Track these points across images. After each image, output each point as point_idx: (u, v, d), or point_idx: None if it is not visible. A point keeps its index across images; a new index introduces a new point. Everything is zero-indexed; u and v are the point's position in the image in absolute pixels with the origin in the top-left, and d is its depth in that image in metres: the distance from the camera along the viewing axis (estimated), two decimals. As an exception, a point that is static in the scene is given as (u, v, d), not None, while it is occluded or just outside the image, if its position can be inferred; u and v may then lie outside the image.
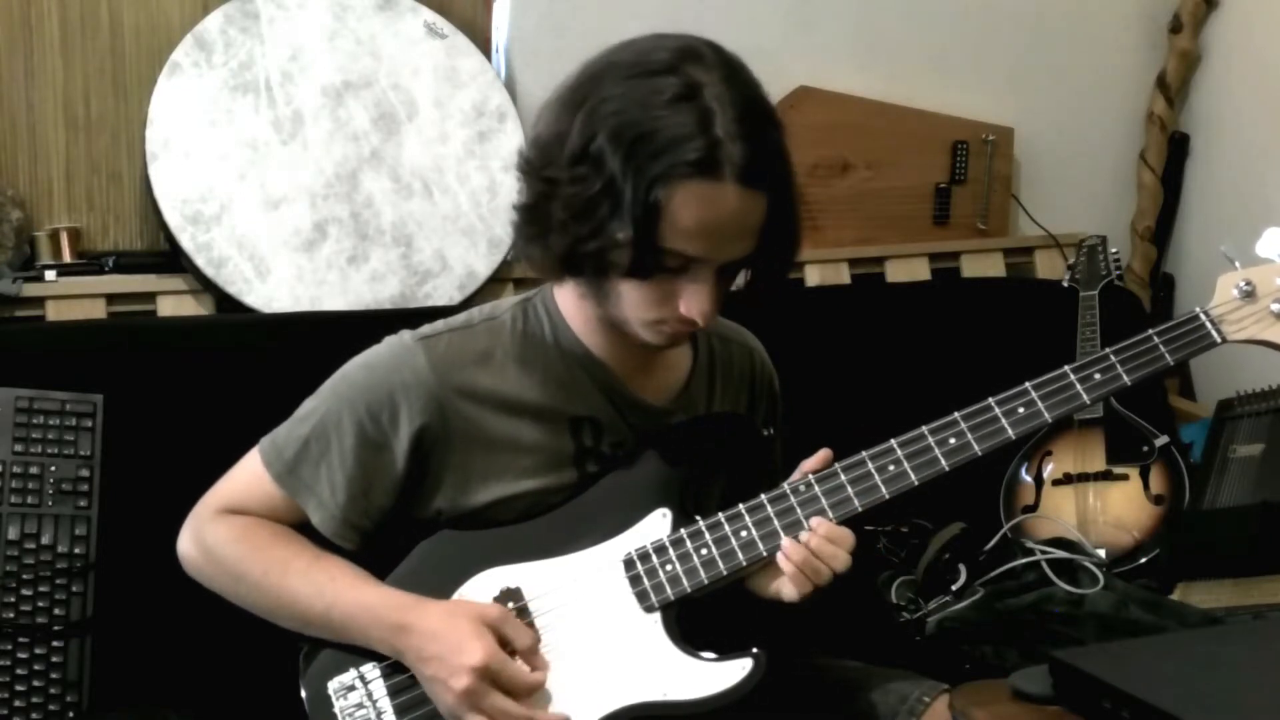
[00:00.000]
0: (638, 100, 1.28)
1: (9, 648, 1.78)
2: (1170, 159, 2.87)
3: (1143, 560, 2.20)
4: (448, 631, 1.34)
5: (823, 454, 1.42)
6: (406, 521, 1.46)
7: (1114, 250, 2.58)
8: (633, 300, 1.35)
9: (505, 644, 1.35)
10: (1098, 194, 2.90)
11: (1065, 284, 2.59)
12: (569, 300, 1.46)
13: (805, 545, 1.37)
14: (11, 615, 1.78)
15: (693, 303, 1.33)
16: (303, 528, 1.45)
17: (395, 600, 1.39)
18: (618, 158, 1.27)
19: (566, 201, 1.31)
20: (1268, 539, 2.02)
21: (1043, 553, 2.12)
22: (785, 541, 1.37)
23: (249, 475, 1.47)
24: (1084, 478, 2.32)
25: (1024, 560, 2.11)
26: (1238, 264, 1.42)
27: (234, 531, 1.45)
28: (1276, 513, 2.05)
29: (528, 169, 1.37)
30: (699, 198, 1.27)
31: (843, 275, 2.63)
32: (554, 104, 1.36)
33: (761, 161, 1.29)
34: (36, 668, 1.78)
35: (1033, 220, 2.82)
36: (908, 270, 2.69)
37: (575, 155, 1.30)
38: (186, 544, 1.48)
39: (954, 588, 2.08)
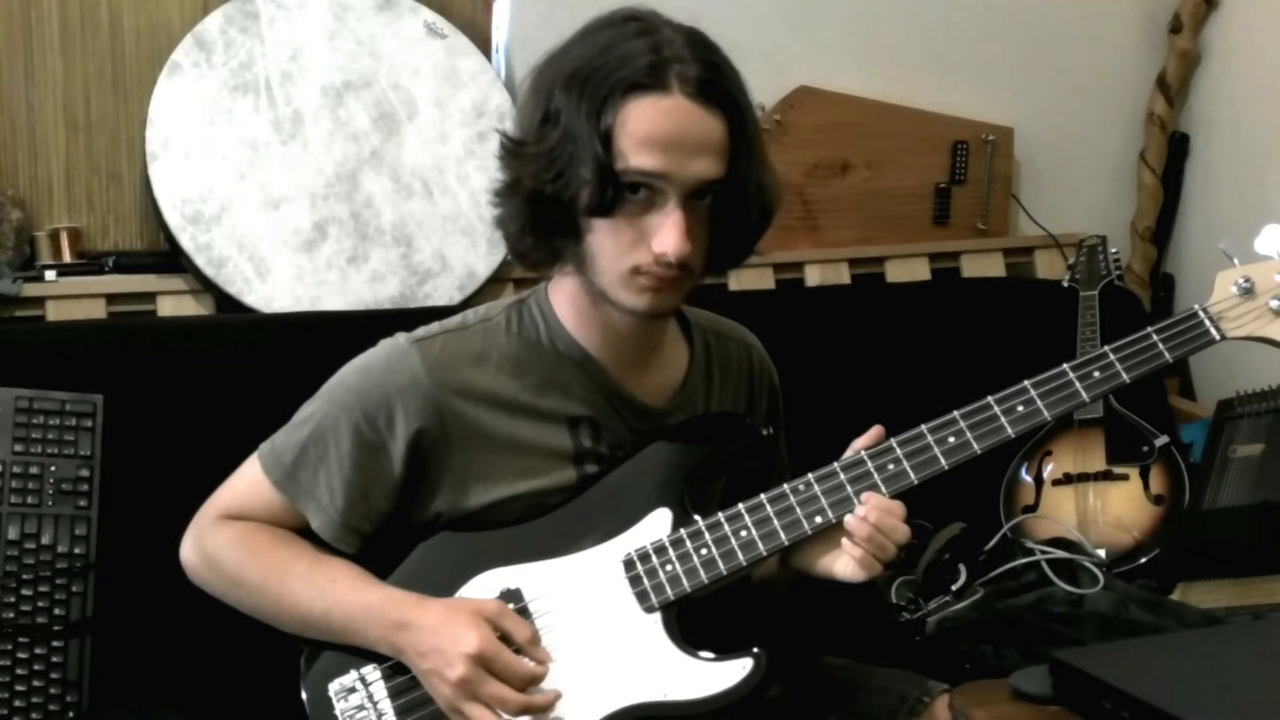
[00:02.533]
0: (591, 47, 1.34)
1: (9, 648, 1.78)
2: (1170, 159, 2.87)
3: (1143, 560, 2.20)
4: (446, 625, 1.34)
5: (875, 430, 1.42)
6: (406, 524, 1.46)
7: (1114, 250, 2.58)
8: (605, 251, 1.35)
9: (503, 637, 1.35)
10: (1098, 194, 2.90)
11: (1065, 284, 2.59)
12: (563, 300, 1.46)
13: (866, 520, 1.35)
14: (11, 615, 1.78)
15: (664, 236, 1.32)
16: (305, 532, 1.45)
17: (396, 599, 1.38)
18: (572, 99, 1.31)
19: (535, 160, 1.34)
20: (1268, 539, 2.02)
21: (1043, 553, 2.12)
22: (849, 519, 1.36)
23: (248, 481, 1.47)
24: (1084, 478, 2.32)
25: (1024, 560, 2.11)
26: (1236, 261, 1.42)
27: (234, 537, 1.45)
28: (1276, 513, 2.05)
29: (503, 155, 1.40)
30: (648, 109, 1.30)
31: (843, 275, 2.62)
32: (523, 96, 1.41)
33: (712, 80, 1.33)
34: (36, 668, 1.78)
35: (1033, 220, 2.81)
36: (908, 270, 2.68)
37: (541, 119, 1.35)
38: (189, 552, 1.48)
39: (954, 588, 2.08)
